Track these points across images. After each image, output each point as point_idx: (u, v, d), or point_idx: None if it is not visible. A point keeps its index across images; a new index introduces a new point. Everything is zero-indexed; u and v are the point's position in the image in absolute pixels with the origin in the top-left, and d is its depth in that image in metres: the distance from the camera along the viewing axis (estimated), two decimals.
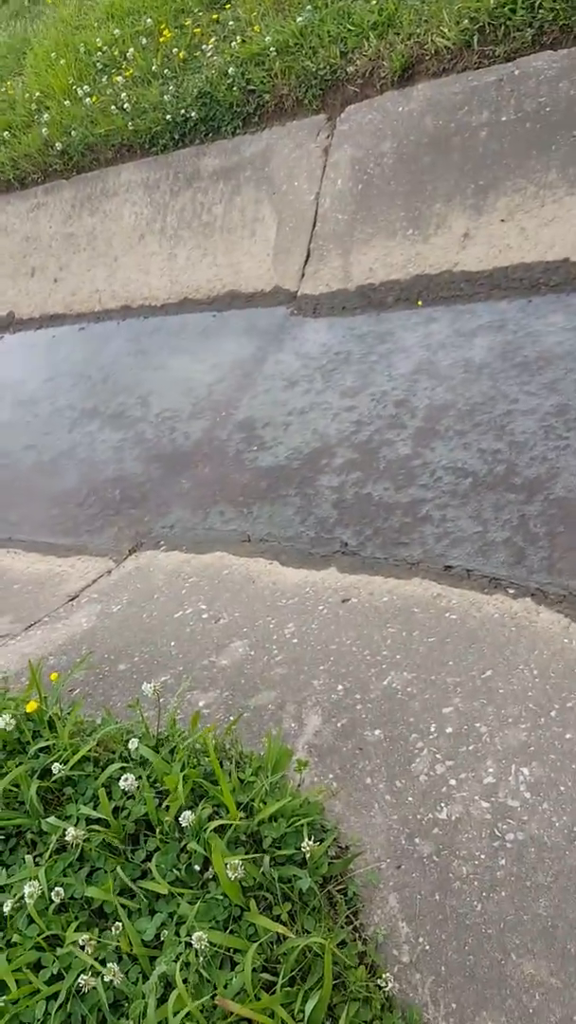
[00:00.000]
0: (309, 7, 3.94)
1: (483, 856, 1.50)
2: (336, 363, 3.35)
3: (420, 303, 3.33)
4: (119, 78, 4.69)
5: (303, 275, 3.79)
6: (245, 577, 2.65)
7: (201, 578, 2.72)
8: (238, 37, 4.22)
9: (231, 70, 4.04)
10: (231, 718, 1.99)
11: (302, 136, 3.97)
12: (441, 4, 3.50)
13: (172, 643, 2.40)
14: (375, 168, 3.65)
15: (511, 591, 2.21)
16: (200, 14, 4.70)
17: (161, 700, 2.10)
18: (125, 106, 4.54)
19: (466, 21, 3.33)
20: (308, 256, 3.83)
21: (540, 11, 3.15)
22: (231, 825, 1.46)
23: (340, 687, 2.02)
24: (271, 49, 3.92)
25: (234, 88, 4.05)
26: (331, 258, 3.73)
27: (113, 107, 4.61)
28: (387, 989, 1.29)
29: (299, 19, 3.91)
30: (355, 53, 3.72)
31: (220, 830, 1.47)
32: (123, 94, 4.58)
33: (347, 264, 3.67)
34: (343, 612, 2.34)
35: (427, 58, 3.55)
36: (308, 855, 1.41)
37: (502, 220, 3.23)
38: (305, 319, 3.66)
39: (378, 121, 3.67)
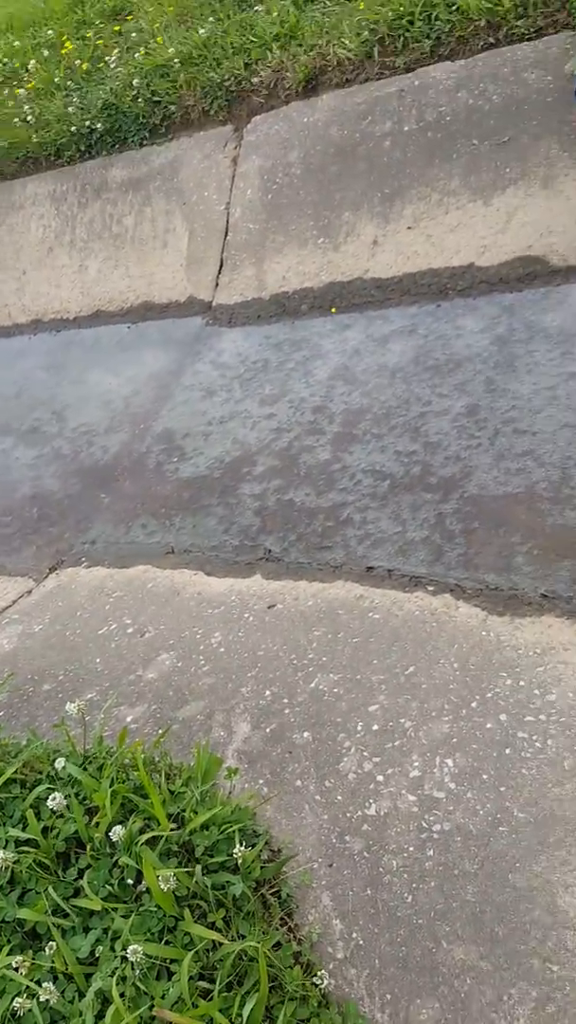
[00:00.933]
0: (212, 19, 3.97)
1: (411, 848, 1.53)
2: (254, 371, 3.37)
3: (334, 310, 3.38)
4: (21, 91, 4.63)
5: (217, 285, 3.81)
6: (170, 589, 2.64)
7: (125, 593, 2.70)
8: (142, 48, 4.21)
9: (136, 81, 4.03)
10: (160, 731, 1.99)
11: (210, 147, 3.98)
12: (341, 16, 3.56)
13: (97, 660, 2.37)
14: (284, 178, 3.69)
15: (431, 588, 2.26)
16: (102, 25, 4.68)
17: (87, 718, 2.07)
18: (28, 118, 4.48)
19: (366, 32, 3.40)
20: (221, 266, 3.84)
21: (437, 22, 3.24)
22: (162, 837, 1.45)
23: (268, 693, 2.04)
24: (175, 60, 3.93)
25: (139, 99, 4.04)
26: (244, 267, 3.75)
27: (16, 120, 4.55)
28: (323, 986, 1.31)
29: (202, 31, 3.93)
30: (259, 64, 3.76)
31: (152, 842, 1.46)
32: (26, 106, 4.52)
33: (261, 273, 3.70)
34: (269, 618, 2.35)
35: (330, 69, 3.61)
36: (240, 861, 1.41)
37: (409, 227, 3.31)
38: (221, 328, 3.67)
39: (285, 131, 3.71)
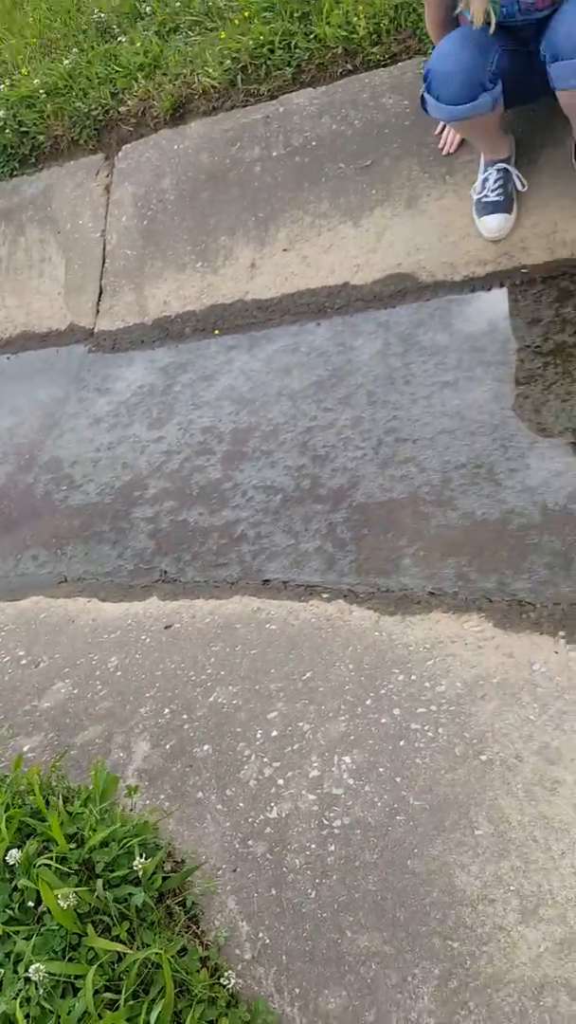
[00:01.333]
0: (76, 50, 3.99)
1: (313, 846, 1.55)
2: (140, 396, 3.37)
3: (217, 332, 3.42)
4: None
5: (98, 312, 3.80)
6: (64, 618, 2.61)
7: (17, 625, 2.65)
8: (7, 80, 4.19)
9: (1, 113, 4.01)
10: (60, 762, 1.96)
11: (81, 175, 3.99)
12: (204, 45, 3.64)
13: None
14: (158, 204, 3.73)
15: (325, 595, 2.30)
16: None
17: None
18: None
19: (228, 61, 3.49)
20: (101, 293, 3.84)
21: (296, 50, 3.35)
22: (62, 856, 1.43)
23: (167, 711, 2.03)
24: (41, 91, 3.93)
25: (7, 130, 4.02)
26: (124, 293, 3.76)
27: None
28: (230, 986, 1.31)
29: (66, 62, 3.95)
30: (125, 93, 3.79)
31: (49, 864, 1.44)
32: None
33: (141, 299, 3.71)
34: (166, 638, 2.35)
35: (196, 97, 3.68)
36: (141, 872, 1.41)
37: (284, 250, 3.39)
38: (105, 355, 3.66)
39: (156, 158, 3.75)
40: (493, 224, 2.73)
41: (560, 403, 2.37)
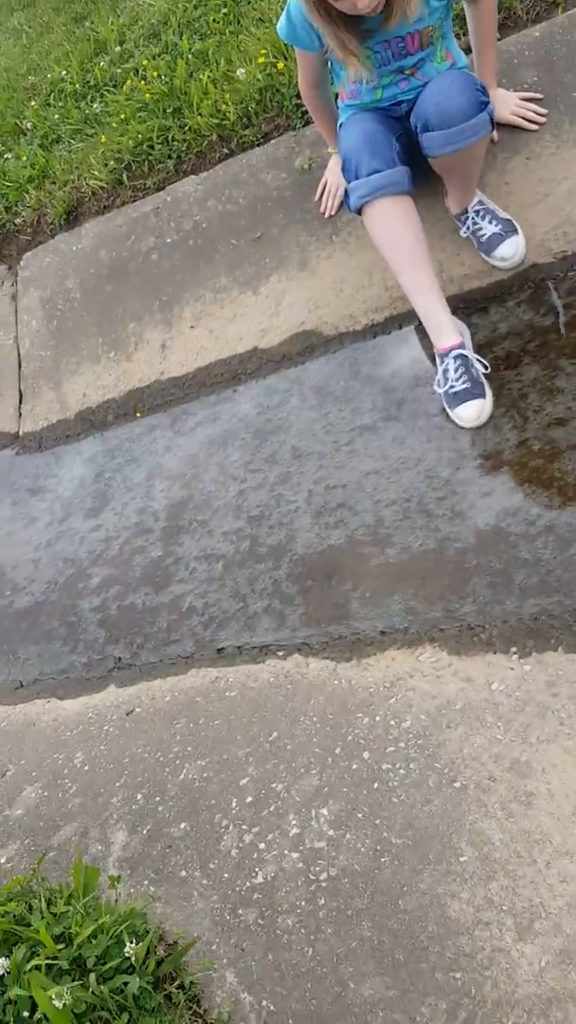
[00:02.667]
0: None
1: (303, 903, 1.53)
2: (72, 488, 3.38)
3: (139, 414, 3.47)
4: None
5: (20, 415, 3.83)
6: (24, 723, 2.56)
7: None
8: None
9: None
10: (35, 862, 1.90)
11: None
12: (87, 151, 3.78)
13: None
14: (65, 304, 3.80)
15: (280, 653, 2.31)
16: None
17: None
18: None
19: (112, 162, 3.62)
20: (22, 396, 3.88)
21: (174, 143, 3.50)
22: (52, 958, 1.39)
23: (139, 795, 2.00)
24: None
25: None
26: (44, 393, 3.80)
27: None
28: None
29: None
30: (19, 206, 3.90)
31: (41, 967, 1.39)
32: None
33: (61, 395, 3.75)
34: (129, 724, 2.32)
35: (87, 199, 3.80)
36: (134, 958, 1.37)
37: (191, 327, 3.47)
38: (33, 455, 3.67)
39: (57, 262, 3.84)
40: (469, 412, 2.42)
41: (473, 429, 2.44)
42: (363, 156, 2.38)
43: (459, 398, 2.45)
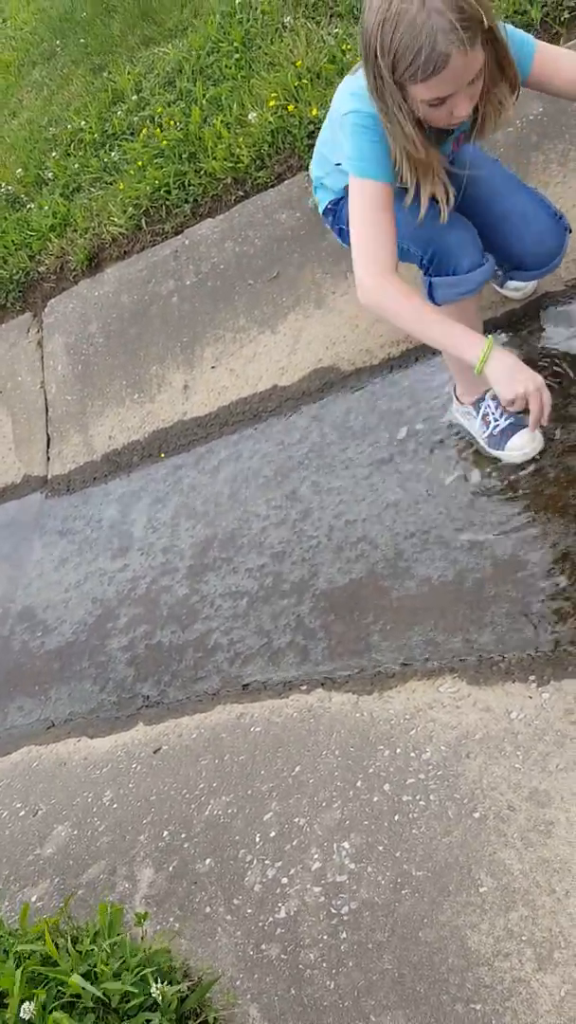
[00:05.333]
0: None
1: (326, 937, 1.54)
2: (100, 530, 3.45)
3: (163, 455, 3.54)
4: None
5: (48, 458, 3.92)
6: (55, 762, 2.60)
7: (11, 778, 2.64)
8: None
9: None
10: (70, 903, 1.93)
11: (14, 336, 4.18)
12: (106, 198, 3.90)
13: None
14: (89, 348, 3.91)
15: (303, 687, 2.33)
16: None
17: None
18: None
19: (131, 208, 3.73)
20: (49, 440, 3.97)
21: (190, 187, 3.60)
22: (75, 996, 1.41)
23: (165, 833, 2.02)
24: None
25: None
26: (71, 436, 3.89)
27: None
28: None
29: None
30: (42, 254, 4.03)
31: (67, 1006, 1.42)
32: None
33: (88, 438, 3.84)
34: (156, 762, 2.35)
35: (107, 246, 3.92)
36: (160, 997, 1.39)
37: (212, 367, 3.54)
38: (61, 498, 3.76)
39: (80, 308, 3.95)
40: (519, 442, 2.30)
41: (491, 460, 2.46)
42: (451, 244, 2.06)
43: (506, 434, 2.33)
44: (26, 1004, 1.41)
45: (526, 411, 1.92)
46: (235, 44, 3.86)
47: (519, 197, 2.15)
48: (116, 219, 3.80)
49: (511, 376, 1.82)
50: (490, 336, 1.82)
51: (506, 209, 2.13)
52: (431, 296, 2.15)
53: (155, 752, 2.37)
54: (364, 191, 1.85)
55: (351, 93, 1.80)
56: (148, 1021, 1.37)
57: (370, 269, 1.86)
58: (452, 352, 1.89)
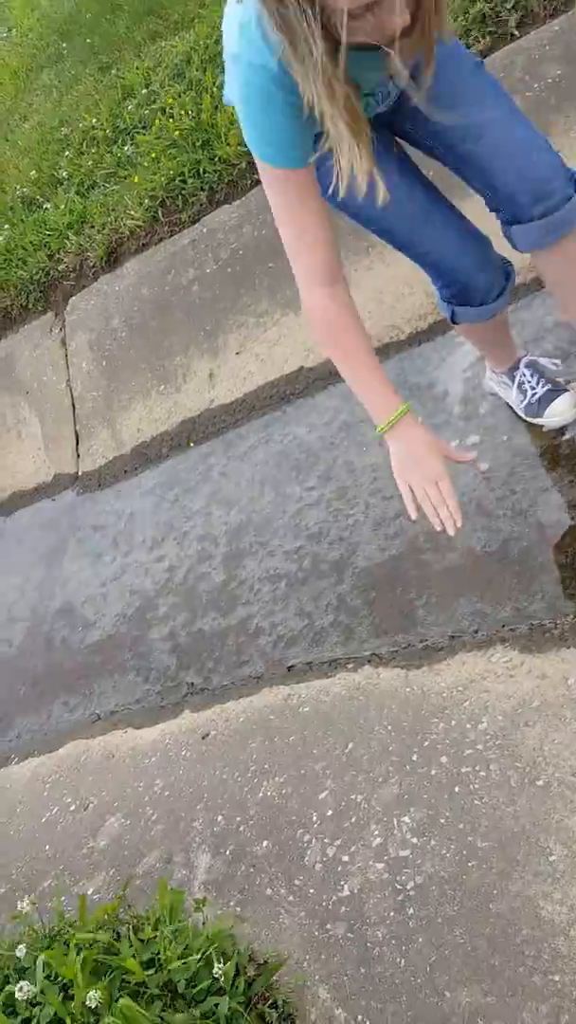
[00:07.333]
0: (7, 226, 4.25)
1: (392, 913, 1.50)
2: (134, 523, 3.44)
3: (192, 444, 3.51)
4: None
5: (78, 455, 3.91)
6: (104, 754, 2.59)
7: (60, 773, 2.63)
8: None
9: None
10: (126, 892, 1.91)
11: (37, 336, 4.18)
12: (122, 192, 3.88)
13: (47, 847, 2.29)
14: (112, 343, 3.89)
15: (350, 666, 2.29)
16: None
17: (50, 904, 1.98)
18: None
19: (147, 200, 3.71)
20: (78, 437, 3.97)
21: (206, 175, 3.57)
22: (141, 984, 1.39)
23: (220, 818, 2.00)
24: None
25: None
26: (99, 432, 3.88)
27: None
28: None
29: (0, 238, 4.20)
30: (61, 253, 4.02)
31: (133, 994, 1.40)
32: None
33: (116, 433, 3.83)
34: (205, 748, 2.32)
35: (126, 239, 3.89)
36: (223, 977, 1.36)
37: (237, 353, 3.51)
38: (93, 493, 3.75)
39: (101, 303, 3.94)
40: (560, 406, 2.20)
41: (527, 427, 2.40)
42: (461, 270, 1.85)
43: (544, 402, 2.24)
44: (92, 993, 1.39)
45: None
46: None
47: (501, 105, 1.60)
48: (133, 212, 3.78)
49: (403, 464, 1.63)
50: (404, 406, 1.60)
51: (496, 134, 1.60)
52: (451, 318, 2.02)
53: (203, 738, 2.35)
54: (274, 182, 1.41)
55: (240, 25, 1.28)
56: (216, 1005, 1.34)
57: (304, 281, 1.58)
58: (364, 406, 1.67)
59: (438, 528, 1.63)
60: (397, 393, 1.63)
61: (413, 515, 1.64)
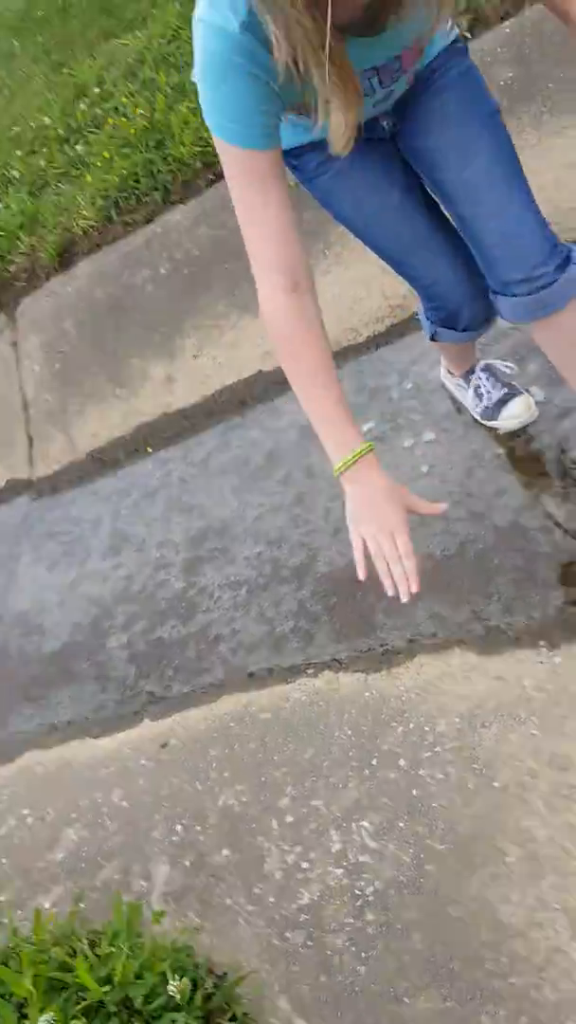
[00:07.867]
0: None
1: (351, 920, 1.50)
2: (90, 529, 3.39)
3: (150, 449, 3.48)
4: None
5: (32, 461, 3.86)
6: (60, 765, 2.55)
7: (16, 786, 2.58)
8: None
9: None
10: (81, 905, 1.88)
11: None
12: (74, 192, 3.84)
13: (3, 860, 2.25)
14: (65, 345, 3.84)
15: (310, 671, 2.28)
16: None
17: (5, 921, 1.95)
18: None
19: (100, 200, 3.67)
20: (31, 441, 3.91)
21: (160, 174, 3.54)
22: (98, 1002, 1.36)
23: (179, 827, 1.98)
24: None
25: None
26: (53, 436, 3.83)
27: None
28: None
29: None
30: (12, 254, 3.96)
31: (89, 1011, 1.37)
32: None
33: (71, 437, 3.78)
34: (165, 756, 2.30)
35: (79, 240, 3.85)
36: (179, 996, 1.34)
37: (194, 356, 3.49)
38: (47, 500, 3.70)
39: (53, 305, 3.89)
40: (515, 410, 2.22)
41: (485, 430, 2.42)
42: (453, 300, 1.80)
43: (499, 405, 2.26)
44: (47, 1015, 1.36)
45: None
46: None
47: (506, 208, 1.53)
48: (85, 212, 3.73)
49: (358, 512, 1.41)
50: (365, 445, 1.41)
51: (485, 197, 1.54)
52: (431, 336, 1.99)
53: (163, 747, 2.33)
54: (236, 166, 1.29)
55: None
56: (174, 1021, 1.32)
57: (263, 281, 1.39)
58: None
59: (390, 592, 1.37)
60: (356, 426, 1.43)
61: (361, 575, 1.38)
